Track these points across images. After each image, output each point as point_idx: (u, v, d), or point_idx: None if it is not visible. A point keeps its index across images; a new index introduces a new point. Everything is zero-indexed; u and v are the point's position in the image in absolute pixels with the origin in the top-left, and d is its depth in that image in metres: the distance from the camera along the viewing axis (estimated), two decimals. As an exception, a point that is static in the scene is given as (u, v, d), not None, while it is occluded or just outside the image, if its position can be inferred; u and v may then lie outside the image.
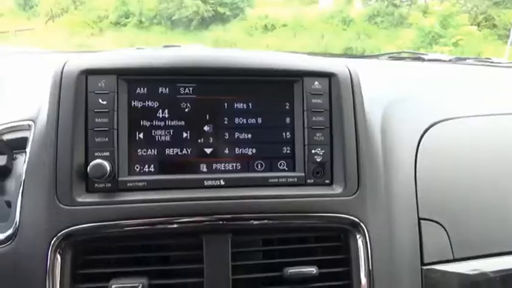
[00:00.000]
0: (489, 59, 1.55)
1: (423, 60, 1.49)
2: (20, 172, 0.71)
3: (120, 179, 0.66)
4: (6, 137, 0.78)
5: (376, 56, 1.57)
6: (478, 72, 1.37)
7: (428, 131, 0.85)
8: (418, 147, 0.83)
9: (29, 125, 0.75)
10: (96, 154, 0.65)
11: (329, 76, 0.72)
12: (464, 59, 1.52)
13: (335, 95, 0.71)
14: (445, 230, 0.77)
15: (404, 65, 1.45)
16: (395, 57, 1.56)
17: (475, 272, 0.77)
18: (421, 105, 0.94)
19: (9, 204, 0.71)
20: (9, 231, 0.67)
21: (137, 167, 0.68)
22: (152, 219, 0.65)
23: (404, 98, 0.98)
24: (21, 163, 0.72)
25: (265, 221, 0.68)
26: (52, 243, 0.63)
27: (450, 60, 1.50)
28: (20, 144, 0.75)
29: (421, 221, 0.76)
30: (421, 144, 0.83)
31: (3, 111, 0.83)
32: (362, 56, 1.56)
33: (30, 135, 0.73)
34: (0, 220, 0.70)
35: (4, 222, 0.69)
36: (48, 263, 0.63)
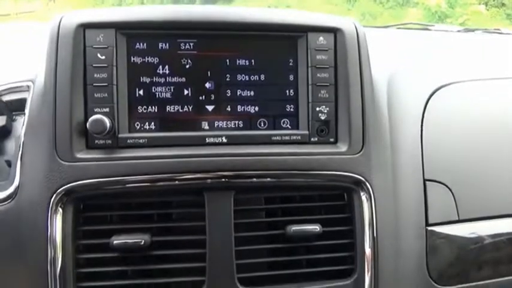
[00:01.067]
0: (498, 29, 1.51)
1: (430, 30, 1.46)
2: (20, 132, 0.70)
3: (120, 135, 0.65)
4: (5, 98, 0.77)
5: (384, 27, 1.54)
6: (486, 41, 1.34)
7: (435, 95, 0.84)
8: (425, 110, 0.81)
9: (28, 86, 0.74)
10: (95, 110, 0.64)
11: (334, 31, 0.69)
12: (473, 30, 1.49)
13: (340, 51, 0.69)
14: (451, 191, 0.75)
15: (411, 34, 1.42)
16: (403, 28, 1.53)
17: (481, 233, 0.76)
18: (428, 70, 0.93)
19: (9, 163, 0.71)
20: (11, 189, 0.66)
21: (137, 124, 0.66)
22: (153, 176, 0.64)
23: (411, 64, 0.96)
24: (21, 124, 0.71)
25: (268, 178, 0.67)
26: (53, 199, 0.62)
27: (458, 31, 1.47)
28: (19, 106, 0.74)
29: (427, 182, 0.75)
30: (427, 108, 0.82)
31: (2, 73, 0.82)
32: (368, 26, 1.53)
33: (29, 96, 0.72)
34: (1, 179, 0.70)
35: (5, 180, 0.69)
36: (49, 219, 0.62)
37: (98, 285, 0.64)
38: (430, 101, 0.83)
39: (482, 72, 0.94)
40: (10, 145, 0.73)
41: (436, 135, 0.79)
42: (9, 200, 0.66)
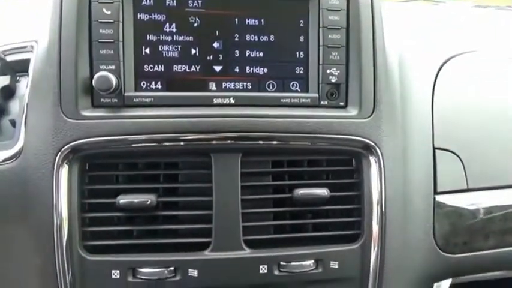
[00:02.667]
0: (510, 6, 1.48)
1: (440, 6, 1.43)
2: (24, 92, 0.69)
3: (126, 94, 0.64)
4: (9, 58, 0.75)
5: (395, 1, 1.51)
6: (498, 16, 1.31)
7: (446, 64, 0.82)
8: (436, 80, 0.80)
9: (32, 46, 0.73)
10: (101, 67, 0.62)
11: None
12: (485, 6, 1.46)
13: (353, 12, 0.67)
14: (460, 160, 0.74)
15: (422, 9, 1.39)
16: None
17: (489, 203, 0.75)
18: (439, 42, 0.91)
19: (14, 123, 0.70)
20: (16, 148, 0.65)
21: (144, 83, 0.65)
22: (159, 135, 0.63)
23: (423, 36, 0.95)
24: (25, 85, 0.70)
25: (276, 141, 0.65)
26: (58, 156, 0.61)
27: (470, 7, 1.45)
28: (23, 67, 0.73)
29: (436, 150, 0.74)
30: (439, 77, 0.80)
31: (7, 33, 0.80)
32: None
33: (33, 55, 0.70)
34: (6, 138, 0.69)
35: (10, 139, 0.68)
36: (55, 177, 0.62)
37: (103, 244, 0.63)
38: (441, 70, 0.81)
39: (495, 44, 0.92)
40: (14, 105, 0.72)
41: (447, 104, 0.78)
42: (14, 158, 0.65)
